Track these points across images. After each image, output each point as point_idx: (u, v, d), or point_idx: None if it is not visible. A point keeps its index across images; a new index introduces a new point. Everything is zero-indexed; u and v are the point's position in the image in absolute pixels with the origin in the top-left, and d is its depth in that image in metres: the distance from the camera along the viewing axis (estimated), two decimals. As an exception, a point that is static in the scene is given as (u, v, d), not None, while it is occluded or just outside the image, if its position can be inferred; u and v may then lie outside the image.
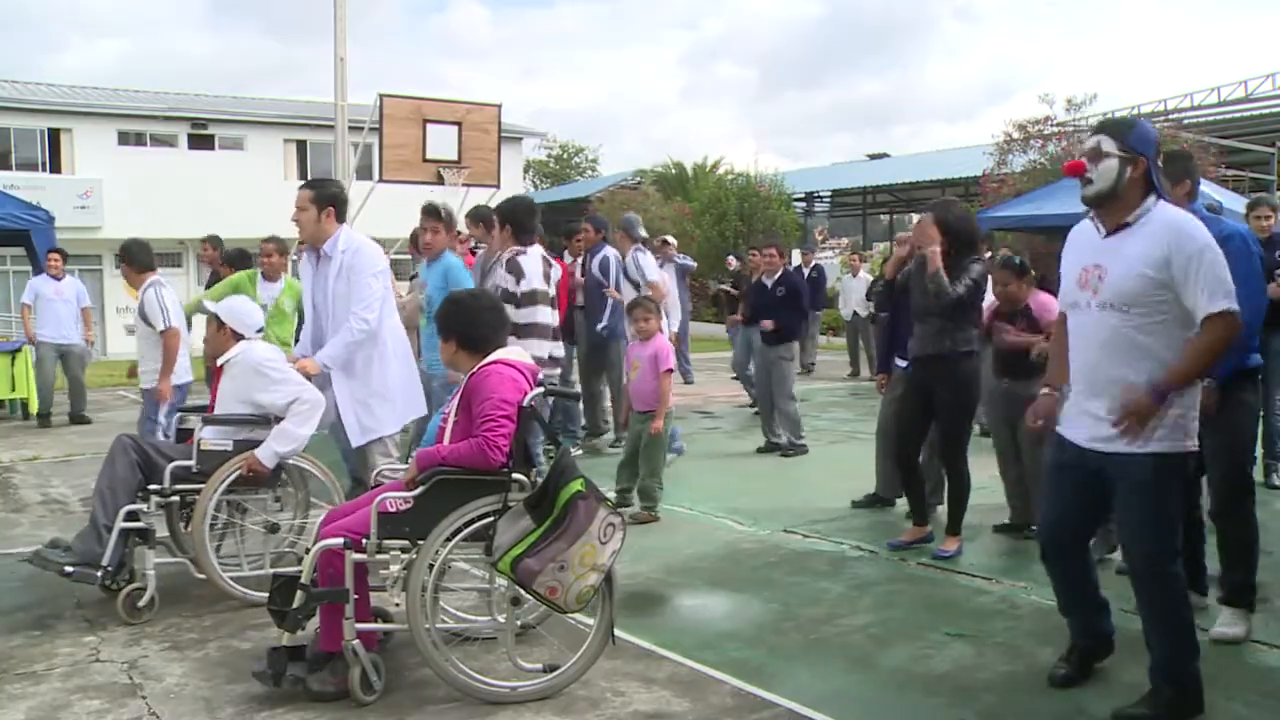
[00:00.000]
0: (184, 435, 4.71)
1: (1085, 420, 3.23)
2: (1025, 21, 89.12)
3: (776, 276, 8.21)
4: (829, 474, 7.28)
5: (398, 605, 3.45)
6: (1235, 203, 10.52)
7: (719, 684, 3.54)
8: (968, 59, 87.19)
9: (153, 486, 4.33)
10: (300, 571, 3.50)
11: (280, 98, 31.15)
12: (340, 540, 3.36)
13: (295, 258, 8.04)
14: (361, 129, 12.94)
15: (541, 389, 3.63)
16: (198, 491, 4.32)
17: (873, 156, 35.46)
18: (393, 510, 3.41)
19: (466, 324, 3.66)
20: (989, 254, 7.53)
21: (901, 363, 5.58)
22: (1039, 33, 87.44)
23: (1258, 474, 6.34)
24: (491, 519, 3.37)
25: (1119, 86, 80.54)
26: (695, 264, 13.29)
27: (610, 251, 8.21)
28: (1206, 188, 7.90)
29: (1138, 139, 3.15)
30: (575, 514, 3.26)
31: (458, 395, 3.63)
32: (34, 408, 10.89)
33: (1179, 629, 3.19)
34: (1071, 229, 3.41)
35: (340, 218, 4.93)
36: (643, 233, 8.34)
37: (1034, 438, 4.94)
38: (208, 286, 9.98)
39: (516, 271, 5.29)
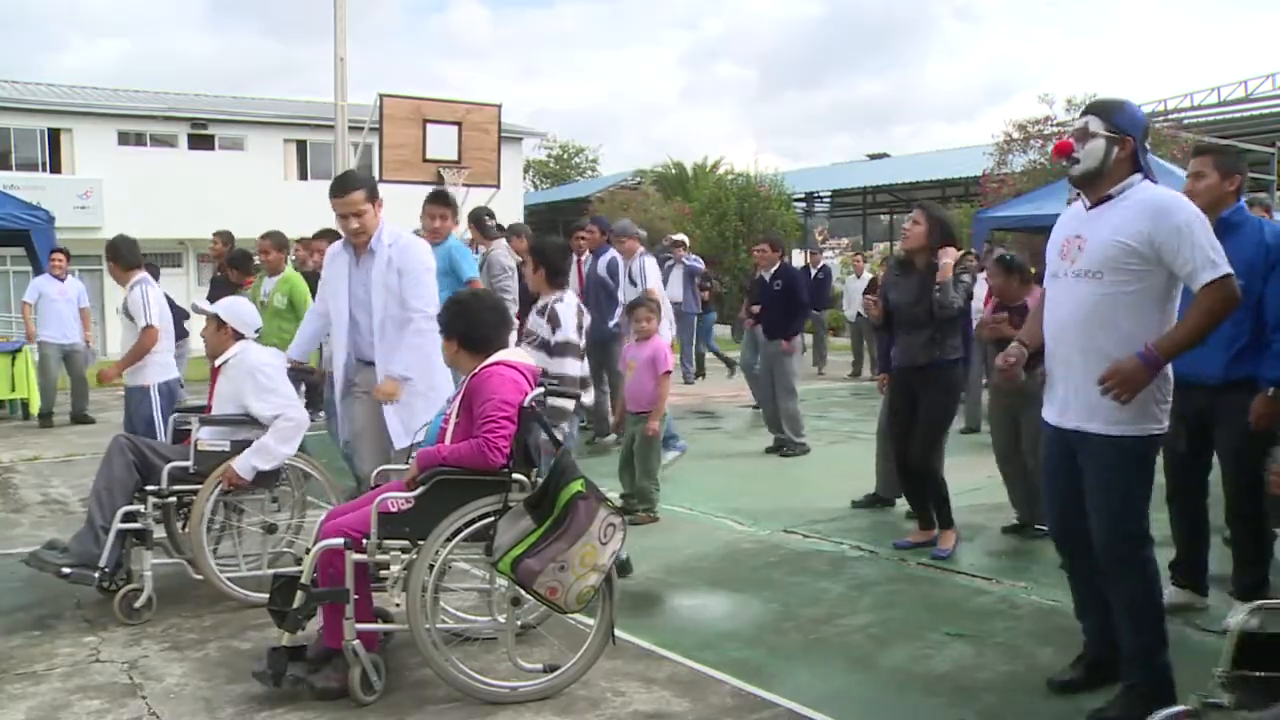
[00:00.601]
0: (181, 436, 4.70)
1: (1056, 397, 3.25)
2: (1025, 21, 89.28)
3: (773, 270, 8.24)
4: (829, 474, 7.28)
5: (398, 605, 3.45)
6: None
7: (719, 684, 3.54)
8: (968, 59, 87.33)
9: (150, 487, 4.33)
10: (300, 571, 3.50)
11: (280, 98, 31.17)
12: (340, 540, 3.37)
13: (294, 257, 8.03)
14: (361, 129, 12.96)
15: (542, 390, 3.63)
16: (195, 492, 4.32)
17: (873, 156, 35.47)
18: (393, 510, 3.41)
19: (468, 324, 3.67)
20: (988, 250, 7.54)
21: None
22: (1039, 33, 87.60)
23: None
24: (492, 519, 3.37)
25: (1119, 86, 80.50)
26: (703, 265, 13.26)
27: (615, 254, 8.23)
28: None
29: (1125, 119, 3.17)
30: (575, 514, 3.27)
31: (459, 396, 3.63)
32: (34, 408, 10.89)
33: (1152, 619, 3.15)
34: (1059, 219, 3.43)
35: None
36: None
37: (1033, 436, 4.95)
38: (211, 285, 10.01)
39: (554, 321, 5.23)
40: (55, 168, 24.15)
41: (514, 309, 5.77)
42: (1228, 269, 2.99)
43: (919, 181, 26.01)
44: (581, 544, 3.25)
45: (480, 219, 7.86)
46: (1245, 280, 3.77)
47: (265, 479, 4.43)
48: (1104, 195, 3.16)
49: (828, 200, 30.98)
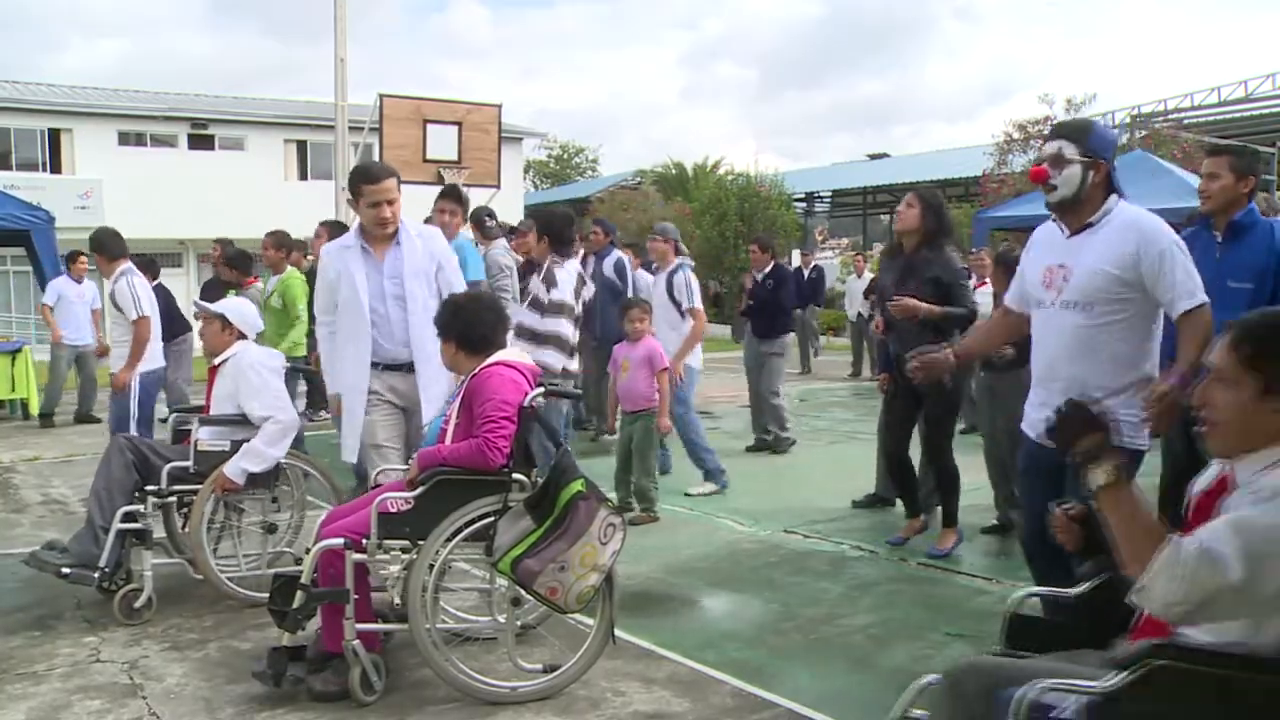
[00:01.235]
0: (181, 436, 4.70)
1: (1041, 416, 3.24)
2: (1025, 21, 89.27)
3: (766, 271, 8.28)
4: (829, 474, 7.28)
5: (398, 605, 3.45)
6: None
7: (719, 684, 3.54)
8: (968, 59, 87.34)
9: (150, 487, 4.33)
10: (300, 571, 3.50)
11: (280, 98, 31.19)
12: (340, 540, 3.37)
13: (311, 255, 7.99)
14: (361, 129, 12.96)
15: (542, 389, 3.63)
16: (195, 492, 4.32)
17: (873, 156, 35.48)
18: (393, 510, 3.41)
19: (465, 325, 3.66)
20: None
21: None
22: (1039, 33, 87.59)
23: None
24: (492, 519, 3.37)
25: (1119, 86, 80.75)
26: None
27: (621, 254, 8.24)
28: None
29: (1097, 142, 3.18)
30: (576, 514, 3.27)
31: (459, 396, 3.63)
32: (35, 408, 10.88)
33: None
34: (1035, 230, 3.44)
35: None
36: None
37: (1013, 434, 4.97)
38: (204, 287, 10.00)
39: (550, 280, 5.24)
40: (55, 168, 24.17)
41: (511, 307, 5.70)
42: (1204, 298, 3.04)
43: (919, 182, 25.96)
44: (581, 544, 3.25)
45: (481, 219, 7.85)
46: (1255, 284, 3.78)
47: (265, 479, 4.41)
48: (1084, 223, 3.18)
49: (828, 200, 30.97)
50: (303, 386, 9.17)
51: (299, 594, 3.39)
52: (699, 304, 7.03)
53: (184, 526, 4.46)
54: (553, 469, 3.35)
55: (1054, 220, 3.32)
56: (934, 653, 3.84)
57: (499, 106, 13.37)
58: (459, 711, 3.33)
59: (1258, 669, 1.74)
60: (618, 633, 3.55)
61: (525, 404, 3.51)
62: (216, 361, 4.60)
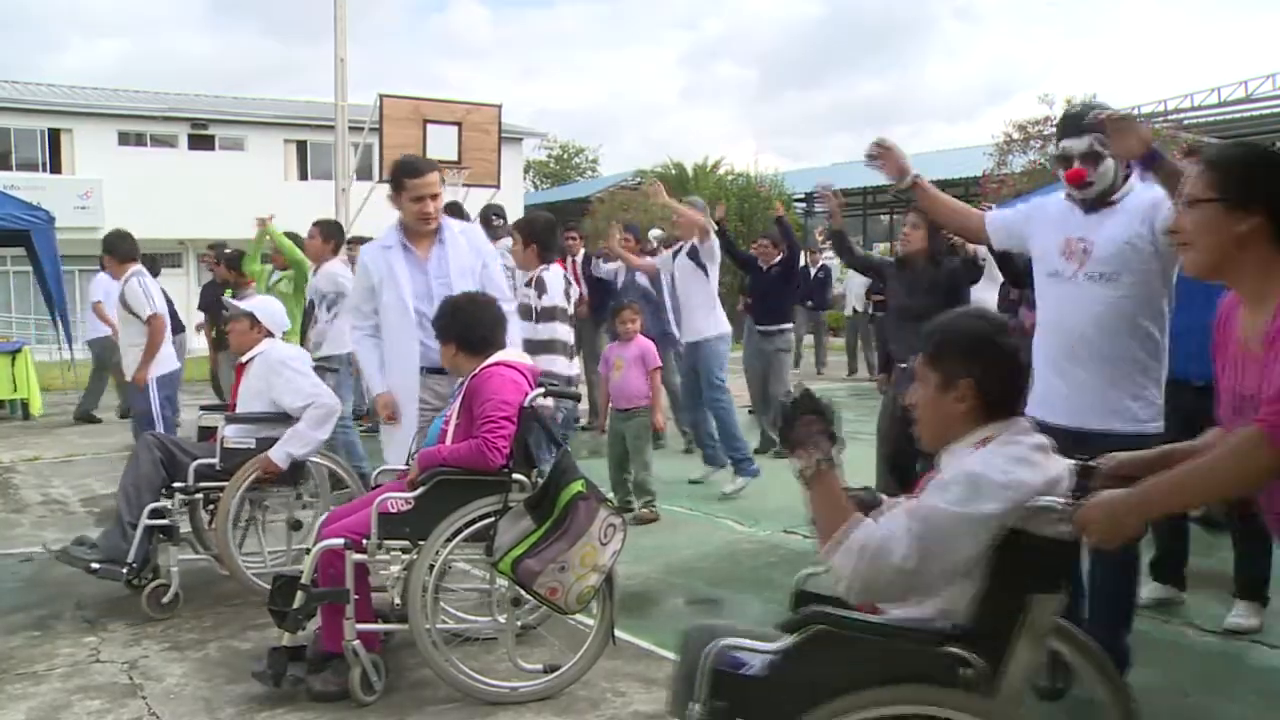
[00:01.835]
0: (207, 433, 4.75)
1: (1060, 399, 3.21)
2: (1025, 21, 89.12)
3: (772, 261, 8.32)
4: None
5: (398, 605, 3.45)
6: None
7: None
8: (968, 59, 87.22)
9: (177, 484, 4.38)
10: (301, 571, 3.50)
11: (280, 98, 31.18)
12: (341, 540, 3.37)
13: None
14: (361, 129, 12.96)
15: (542, 390, 3.63)
16: (221, 489, 4.36)
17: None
18: (393, 511, 3.41)
19: (465, 326, 3.66)
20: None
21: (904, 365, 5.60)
22: (1039, 33, 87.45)
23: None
24: (492, 519, 3.37)
25: (1119, 86, 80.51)
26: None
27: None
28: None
29: None
30: (576, 515, 3.26)
31: (459, 397, 3.63)
32: (35, 408, 10.89)
33: (1127, 606, 3.27)
34: (1034, 199, 3.42)
35: None
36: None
37: None
38: (204, 290, 10.01)
39: (540, 287, 5.24)
40: (55, 168, 24.17)
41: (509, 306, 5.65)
42: None
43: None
44: (582, 544, 3.25)
45: (489, 217, 7.84)
46: None
47: (291, 475, 4.47)
48: (1105, 201, 3.18)
49: (828, 200, 30.91)
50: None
51: (299, 594, 3.39)
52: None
53: (210, 523, 4.52)
54: (553, 469, 3.35)
55: (1066, 197, 3.31)
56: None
57: (499, 106, 13.38)
58: (459, 711, 3.33)
59: (890, 635, 1.99)
60: (618, 633, 3.55)
61: (525, 404, 3.51)
62: (244, 359, 4.64)
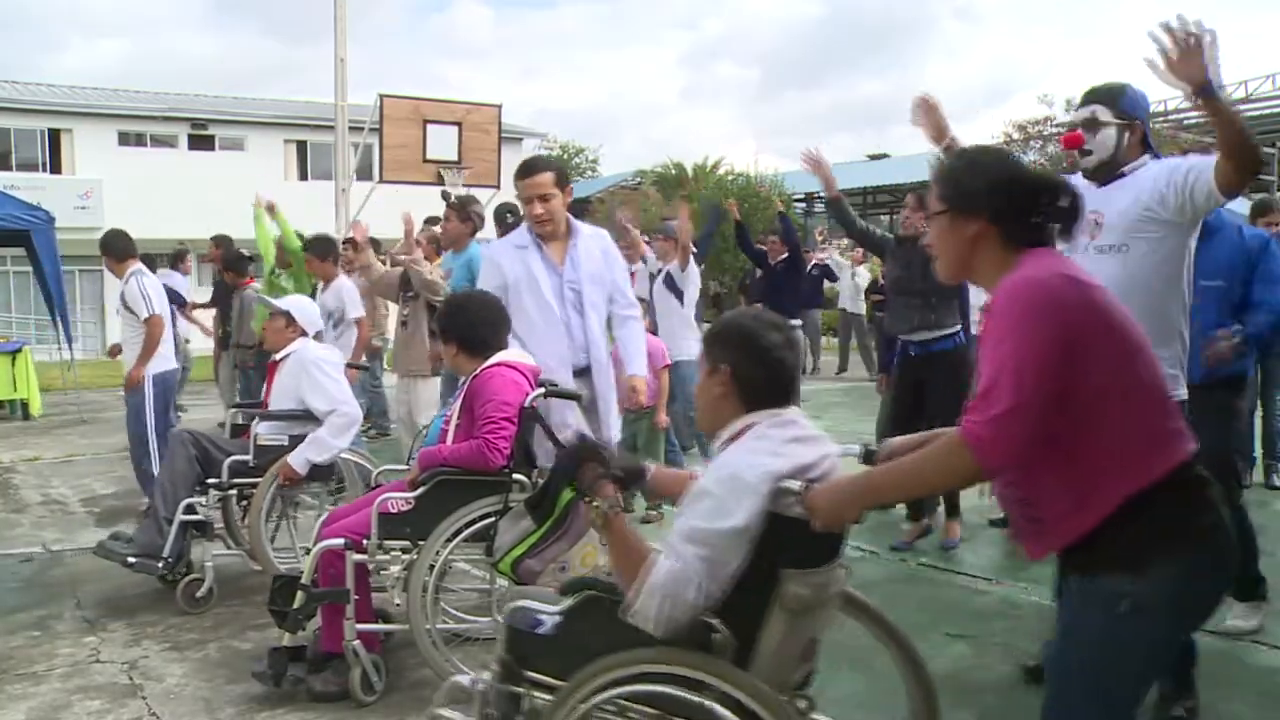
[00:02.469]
0: (240, 430, 4.80)
1: None
2: (1025, 21, 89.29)
3: (781, 258, 8.38)
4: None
5: (398, 605, 3.45)
6: (1238, 203, 10.50)
7: (719, 684, 3.53)
8: (968, 59, 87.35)
9: (211, 480, 4.43)
10: (302, 571, 3.50)
11: (280, 98, 31.22)
12: (341, 540, 3.37)
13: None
14: (361, 129, 12.93)
15: (543, 390, 3.63)
16: (254, 485, 4.41)
17: (873, 157, 35.45)
18: (394, 511, 3.42)
19: (467, 325, 3.66)
20: None
21: None
22: (1039, 33, 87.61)
23: (1258, 475, 6.39)
24: (492, 519, 3.37)
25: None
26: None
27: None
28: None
29: (1130, 103, 3.14)
30: (577, 515, 3.25)
31: (460, 397, 3.63)
32: (35, 408, 10.89)
33: None
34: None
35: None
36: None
37: None
38: (215, 288, 9.98)
39: None
40: (55, 168, 24.17)
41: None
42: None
43: (919, 182, 25.99)
44: (582, 545, 3.24)
45: (503, 216, 7.81)
46: (1226, 281, 3.80)
47: (322, 472, 4.52)
48: (1117, 174, 3.14)
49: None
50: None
51: (299, 594, 3.39)
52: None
53: (243, 518, 4.57)
54: (553, 469, 3.34)
55: (1082, 174, 3.28)
56: (935, 654, 3.83)
57: (499, 106, 13.36)
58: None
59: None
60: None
61: (526, 404, 3.51)
62: (277, 358, 4.68)
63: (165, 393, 6.20)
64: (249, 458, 4.47)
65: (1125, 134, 3.10)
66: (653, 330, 7.14)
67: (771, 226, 10.83)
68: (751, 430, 2.14)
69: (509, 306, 3.92)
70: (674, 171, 30.66)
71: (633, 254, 7.13)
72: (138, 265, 6.32)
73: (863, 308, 14.12)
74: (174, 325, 8.83)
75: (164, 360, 6.21)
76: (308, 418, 4.48)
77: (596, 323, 4.09)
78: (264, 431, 4.52)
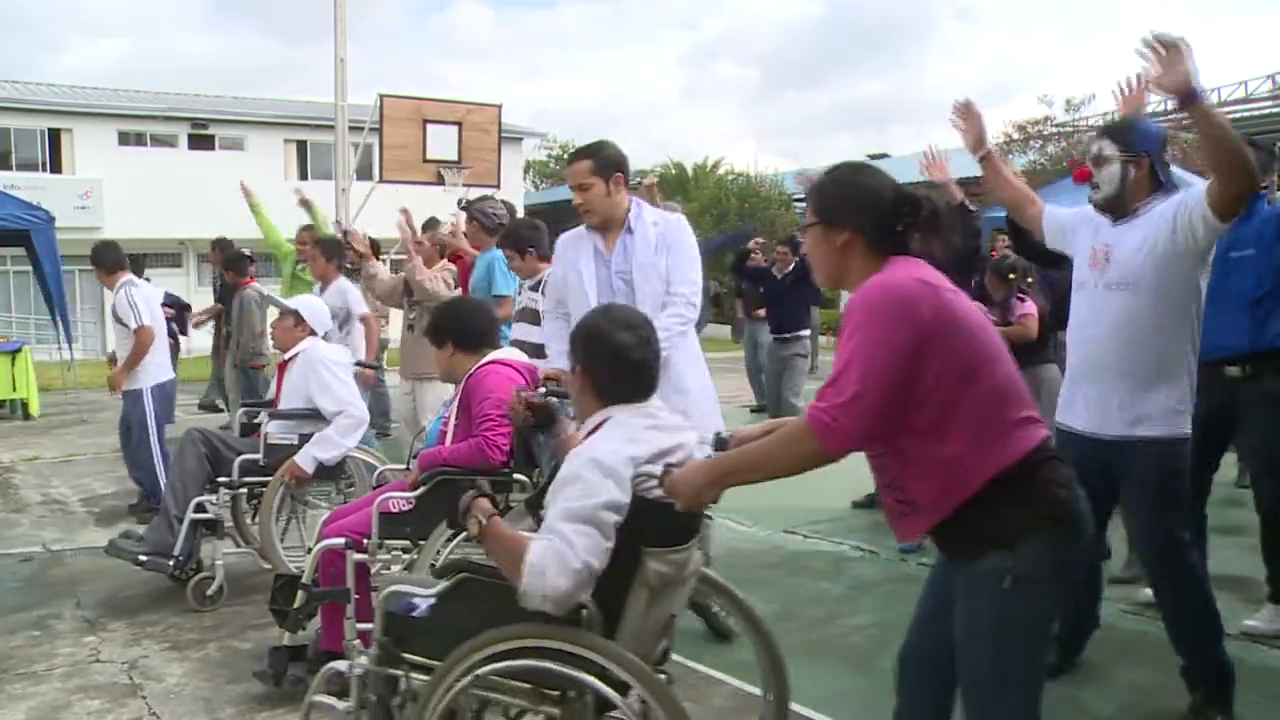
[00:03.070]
0: (250, 429, 4.82)
1: (1084, 406, 3.24)
2: (1025, 21, 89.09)
3: (788, 270, 8.34)
4: (829, 474, 7.17)
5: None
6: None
7: (719, 684, 3.54)
8: (968, 59, 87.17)
9: (221, 479, 4.45)
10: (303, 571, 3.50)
11: (280, 98, 31.20)
12: (341, 540, 3.36)
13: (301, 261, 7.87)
14: (361, 129, 12.93)
15: (542, 389, 3.63)
16: (264, 484, 4.43)
17: (873, 157, 35.39)
18: (394, 511, 3.41)
19: (460, 325, 3.66)
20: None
21: None
22: (1039, 33, 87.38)
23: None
24: (492, 519, 3.37)
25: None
26: None
27: None
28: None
29: (1138, 138, 3.16)
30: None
31: (457, 397, 3.63)
32: (34, 408, 10.88)
33: (1209, 617, 3.20)
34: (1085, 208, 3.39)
35: (629, 183, 3.97)
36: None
37: None
38: (215, 289, 9.98)
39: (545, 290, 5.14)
40: (55, 168, 24.15)
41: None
42: None
43: (919, 182, 25.92)
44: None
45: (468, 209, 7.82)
46: (1255, 249, 3.80)
47: (332, 471, 4.54)
48: (1130, 211, 3.16)
49: (828, 200, 30.87)
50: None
51: (300, 594, 3.39)
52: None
53: (253, 517, 4.59)
54: (553, 469, 3.34)
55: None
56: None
57: (499, 106, 13.35)
58: (459, 711, 3.33)
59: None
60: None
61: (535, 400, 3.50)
62: (286, 357, 4.69)
63: (165, 403, 6.20)
64: (259, 456, 4.50)
65: (1130, 169, 3.12)
66: None
67: (783, 235, 10.84)
68: (610, 421, 2.31)
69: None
70: (674, 171, 30.65)
71: None
72: (128, 276, 6.32)
73: None
74: (179, 334, 8.81)
75: (162, 370, 6.20)
76: (317, 417, 4.50)
77: (650, 314, 3.80)
78: (274, 430, 4.54)
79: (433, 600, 2.37)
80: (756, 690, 3.48)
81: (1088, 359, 3.24)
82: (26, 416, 10.84)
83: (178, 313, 9.55)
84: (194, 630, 4.15)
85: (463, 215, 6.60)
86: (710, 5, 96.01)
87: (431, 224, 7.08)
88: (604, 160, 3.88)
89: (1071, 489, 2.05)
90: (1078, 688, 3.46)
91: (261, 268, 9.07)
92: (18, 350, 10.84)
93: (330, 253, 6.77)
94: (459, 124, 12.55)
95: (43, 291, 11.21)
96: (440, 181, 12.14)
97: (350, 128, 12.96)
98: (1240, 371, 3.81)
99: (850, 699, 3.45)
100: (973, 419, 1.99)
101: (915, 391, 1.96)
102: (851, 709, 3.37)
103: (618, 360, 2.35)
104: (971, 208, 5.19)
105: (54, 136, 24.23)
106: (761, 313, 8.34)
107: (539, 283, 5.15)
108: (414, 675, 2.36)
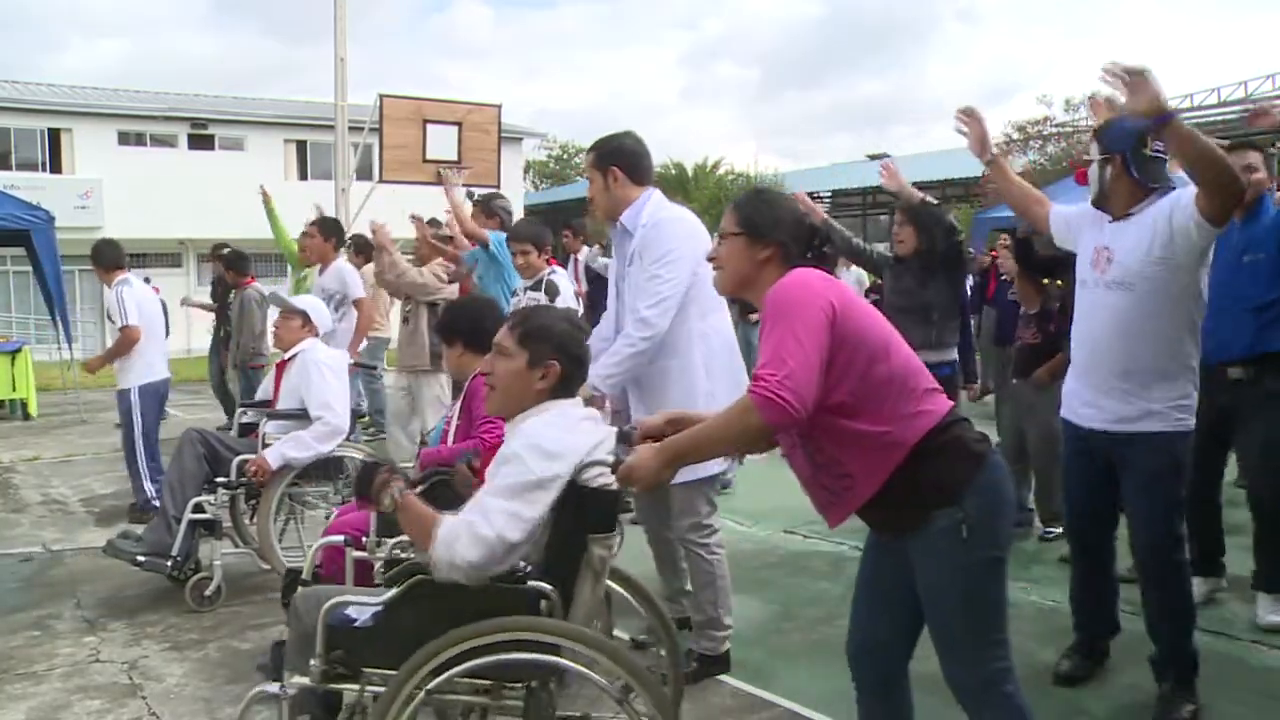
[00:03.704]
0: (248, 429, 4.82)
1: (1087, 402, 3.28)
2: (1025, 21, 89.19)
3: None
4: (829, 474, 7.26)
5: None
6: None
7: (719, 684, 3.54)
8: (968, 59, 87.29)
9: (220, 479, 4.45)
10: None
11: (280, 98, 31.22)
12: (341, 537, 3.36)
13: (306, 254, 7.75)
14: (361, 129, 12.92)
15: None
16: (262, 484, 4.42)
17: (873, 157, 35.42)
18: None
19: (470, 324, 3.66)
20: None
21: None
22: (1039, 33, 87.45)
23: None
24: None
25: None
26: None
27: None
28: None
29: (1112, 138, 3.21)
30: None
31: (460, 398, 3.63)
32: (34, 408, 10.88)
33: (1189, 618, 3.27)
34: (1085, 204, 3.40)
35: (639, 178, 3.69)
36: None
37: (1041, 436, 4.99)
38: (212, 290, 9.98)
39: (552, 291, 5.12)
40: (55, 168, 24.15)
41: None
42: None
43: (919, 182, 25.87)
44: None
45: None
46: (1267, 252, 3.81)
47: (328, 471, 4.55)
48: (1125, 212, 3.20)
49: (828, 200, 30.95)
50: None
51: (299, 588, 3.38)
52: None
53: (251, 517, 4.59)
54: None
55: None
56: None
57: (499, 106, 13.34)
58: (459, 711, 3.33)
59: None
60: (617, 633, 3.54)
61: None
62: (286, 356, 4.69)
63: (153, 402, 6.15)
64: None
65: (1106, 168, 3.19)
66: None
67: None
68: (552, 409, 2.47)
69: None
70: (674, 172, 30.65)
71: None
72: (125, 275, 6.31)
73: None
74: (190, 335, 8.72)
75: (151, 370, 6.16)
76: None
77: (625, 314, 3.69)
78: (272, 430, 4.53)
79: (378, 609, 2.39)
80: (757, 690, 3.49)
81: (1090, 356, 3.27)
82: (26, 416, 10.84)
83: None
84: (194, 630, 4.15)
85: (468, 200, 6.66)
86: (710, 5, 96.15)
87: (432, 224, 7.07)
88: (602, 153, 3.70)
89: (984, 442, 2.25)
90: (1078, 688, 3.46)
91: (261, 268, 9.05)
92: (17, 350, 10.85)
93: (329, 232, 6.74)
94: (459, 124, 12.54)
95: (42, 291, 11.22)
96: (440, 181, 12.13)
97: (350, 128, 12.97)
98: (1243, 374, 3.84)
99: (850, 699, 3.43)
100: (889, 392, 2.17)
101: (831, 372, 2.12)
102: (851, 709, 3.35)
103: (582, 362, 2.59)
104: (932, 201, 5.20)
105: (54, 136, 24.23)
106: (754, 316, 8.34)
107: (539, 283, 5.16)
108: (369, 687, 2.36)
